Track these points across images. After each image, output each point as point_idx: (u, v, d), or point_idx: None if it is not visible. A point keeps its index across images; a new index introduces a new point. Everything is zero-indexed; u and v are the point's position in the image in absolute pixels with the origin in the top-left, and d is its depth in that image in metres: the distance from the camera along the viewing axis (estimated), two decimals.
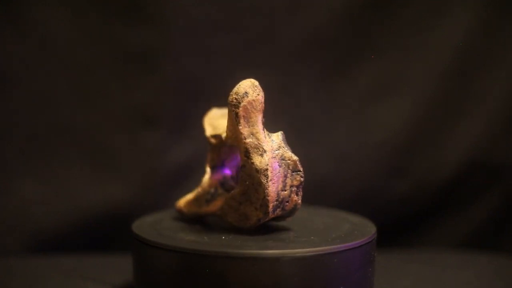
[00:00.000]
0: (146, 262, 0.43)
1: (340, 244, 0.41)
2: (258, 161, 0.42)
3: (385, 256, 0.56)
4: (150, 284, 0.43)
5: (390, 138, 0.64)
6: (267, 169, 0.42)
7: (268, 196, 0.42)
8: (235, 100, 0.42)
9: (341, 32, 0.62)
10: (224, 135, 0.45)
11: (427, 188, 0.64)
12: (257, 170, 0.42)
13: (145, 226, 0.45)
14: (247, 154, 0.42)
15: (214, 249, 0.40)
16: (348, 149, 0.64)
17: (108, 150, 0.61)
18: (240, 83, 0.43)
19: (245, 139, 0.42)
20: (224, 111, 0.47)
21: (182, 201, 0.47)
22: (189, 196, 0.47)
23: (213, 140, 0.46)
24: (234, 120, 0.43)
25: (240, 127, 0.42)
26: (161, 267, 0.42)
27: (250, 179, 0.43)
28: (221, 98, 0.62)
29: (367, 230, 0.45)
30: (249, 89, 0.42)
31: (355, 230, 0.45)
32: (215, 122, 0.47)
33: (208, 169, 0.47)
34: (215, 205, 0.46)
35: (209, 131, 0.47)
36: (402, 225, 0.65)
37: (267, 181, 0.42)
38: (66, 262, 0.57)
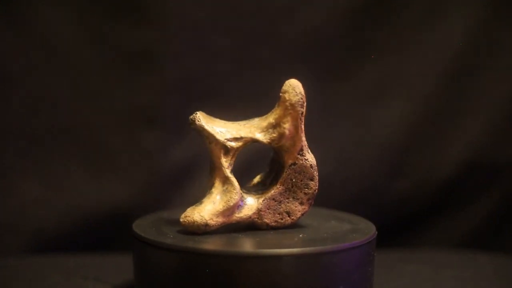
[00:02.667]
0: (146, 261, 0.43)
1: (340, 244, 0.41)
2: (310, 157, 0.45)
3: (385, 256, 0.57)
4: (151, 283, 0.43)
5: (390, 138, 0.64)
6: (315, 164, 0.45)
7: (317, 189, 0.45)
8: (301, 100, 0.44)
9: (341, 32, 0.62)
10: (261, 137, 0.44)
11: (427, 188, 0.64)
12: (311, 166, 0.45)
13: (145, 226, 0.45)
14: (301, 152, 0.45)
15: (214, 248, 0.40)
16: (348, 149, 0.64)
17: (108, 150, 0.61)
18: (293, 84, 0.44)
19: (302, 137, 0.44)
20: (204, 115, 0.45)
21: (207, 215, 0.43)
22: (214, 207, 0.43)
23: (233, 144, 0.44)
24: (299, 120, 0.44)
25: (302, 126, 0.44)
26: (162, 266, 0.42)
27: (299, 175, 0.45)
28: (221, 98, 0.62)
29: (367, 230, 0.45)
30: (302, 89, 0.44)
31: (355, 230, 0.45)
32: (216, 125, 0.44)
33: (231, 175, 0.44)
34: (248, 210, 0.44)
35: (221, 135, 0.44)
36: (401, 225, 0.65)
37: (317, 175, 0.45)
38: (67, 262, 0.57)
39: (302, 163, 0.45)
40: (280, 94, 0.44)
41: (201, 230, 0.43)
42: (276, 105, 0.45)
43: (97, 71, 0.61)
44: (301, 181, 0.45)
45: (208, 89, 0.62)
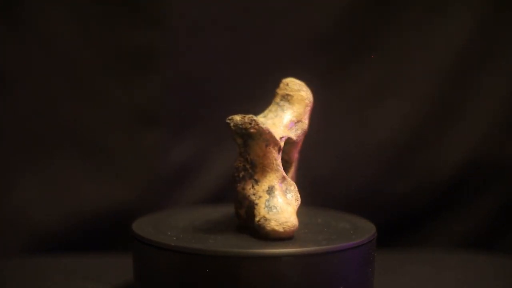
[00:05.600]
0: (146, 262, 0.43)
1: (340, 244, 0.41)
2: None
3: (385, 256, 0.56)
4: (151, 284, 0.43)
5: (390, 138, 0.64)
6: None
7: None
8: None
9: (341, 32, 0.62)
10: (291, 134, 0.45)
11: (427, 188, 0.64)
12: (297, 158, 0.47)
13: (145, 226, 0.45)
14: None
15: (214, 248, 0.40)
16: (348, 149, 0.64)
17: (108, 150, 0.61)
18: (300, 82, 0.46)
19: None
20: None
21: (294, 218, 0.42)
22: (292, 209, 0.42)
23: (282, 144, 0.44)
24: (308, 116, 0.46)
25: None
26: (161, 266, 0.42)
27: (294, 169, 0.47)
28: (221, 98, 0.62)
29: (367, 230, 0.45)
30: None
31: (355, 230, 0.45)
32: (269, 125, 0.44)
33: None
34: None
35: (277, 136, 0.43)
36: (402, 225, 0.65)
37: None
38: (66, 262, 0.57)
39: (298, 156, 0.47)
40: (290, 93, 0.45)
41: (293, 234, 0.42)
42: (287, 103, 0.45)
43: (97, 71, 0.61)
44: (290, 173, 0.47)
45: (208, 89, 0.62)
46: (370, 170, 0.64)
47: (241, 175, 0.43)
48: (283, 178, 0.43)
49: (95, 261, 0.58)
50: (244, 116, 0.42)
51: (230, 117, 0.42)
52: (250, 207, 0.43)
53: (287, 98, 0.45)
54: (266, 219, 0.41)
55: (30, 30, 0.59)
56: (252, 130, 0.41)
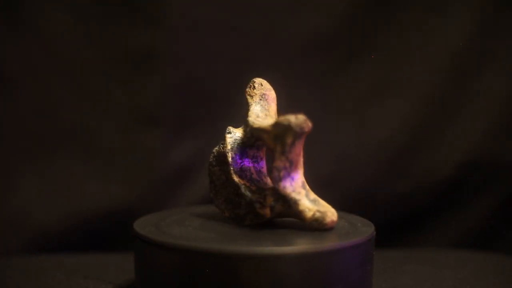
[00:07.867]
0: (147, 260, 0.43)
1: (339, 243, 0.41)
2: None
3: (384, 255, 0.57)
4: (152, 282, 0.43)
5: (390, 138, 0.64)
6: None
7: None
8: None
9: (341, 32, 0.62)
10: None
11: (426, 188, 0.64)
12: None
13: (146, 225, 0.45)
14: None
15: (215, 248, 0.40)
16: (348, 149, 0.64)
17: (109, 150, 0.61)
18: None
19: None
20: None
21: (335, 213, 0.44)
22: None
23: None
24: None
25: None
26: (163, 265, 0.42)
27: None
28: (221, 98, 0.62)
29: (366, 229, 0.45)
30: None
31: (354, 229, 0.45)
32: None
33: None
34: None
35: None
36: (401, 224, 0.65)
37: None
38: (68, 261, 0.57)
39: None
40: (266, 92, 0.46)
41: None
42: (266, 102, 0.46)
43: (98, 71, 0.61)
44: None
45: (208, 90, 0.62)
46: (370, 170, 0.64)
47: (281, 175, 0.43)
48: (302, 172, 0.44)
49: (96, 260, 0.58)
50: (297, 117, 0.42)
51: (284, 118, 0.42)
52: (277, 204, 0.44)
53: (264, 97, 0.46)
54: (321, 212, 0.43)
55: (30, 30, 0.59)
56: (307, 129, 0.42)
